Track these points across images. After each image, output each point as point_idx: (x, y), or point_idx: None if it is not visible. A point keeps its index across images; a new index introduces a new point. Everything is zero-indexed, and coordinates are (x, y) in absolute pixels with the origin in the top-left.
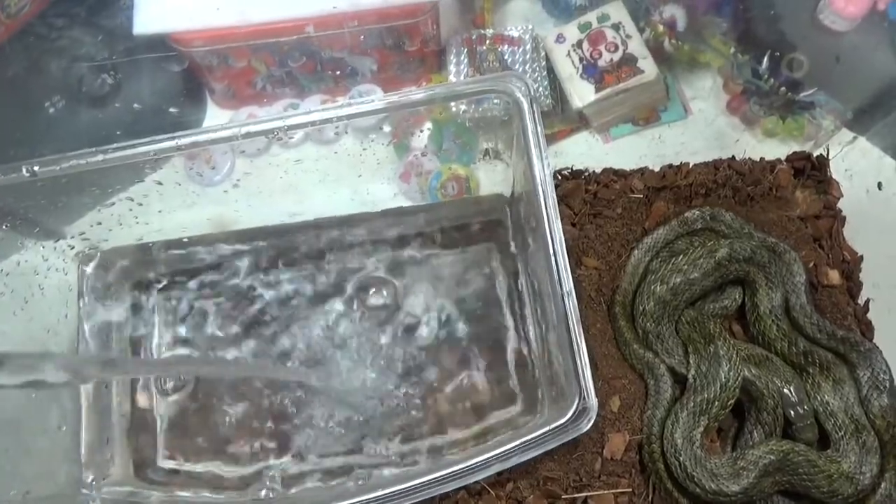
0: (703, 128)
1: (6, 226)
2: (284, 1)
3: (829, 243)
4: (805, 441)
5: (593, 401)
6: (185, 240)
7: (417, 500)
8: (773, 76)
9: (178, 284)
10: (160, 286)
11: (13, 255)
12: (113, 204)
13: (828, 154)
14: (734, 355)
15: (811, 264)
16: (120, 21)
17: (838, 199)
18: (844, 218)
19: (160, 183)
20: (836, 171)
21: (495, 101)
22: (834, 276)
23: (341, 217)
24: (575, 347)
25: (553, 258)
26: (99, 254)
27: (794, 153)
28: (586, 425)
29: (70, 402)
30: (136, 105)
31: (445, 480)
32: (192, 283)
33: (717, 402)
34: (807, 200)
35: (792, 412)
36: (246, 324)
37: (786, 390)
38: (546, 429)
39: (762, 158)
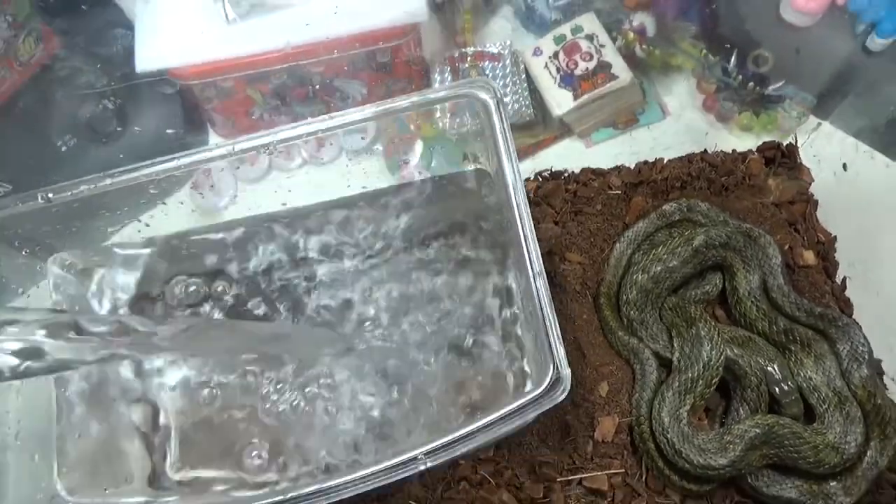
0: (681, 128)
1: (26, 251)
2: (270, 33)
3: (804, 226)
4: (791, 416)
5: (566, 371)
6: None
7: (403, 477)
8: (741, 73)
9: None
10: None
11: (34, 279)
12: (123, 226)
13: (796, 142)
14: (716, 335)
15: (787, 247)
16: (119, 57)
17: (810, 183)
18: (817, 202)
19: (164, 203)
20: (805, 157)
21: (467, 112)
22: (809, 257)
23: (329, 202)
24: (546, 322)
25: (523, 242)
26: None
27: (765, 143)
28: (561, 395)
29: (76, 413)
30: (141, 142)
31: (432, 454)
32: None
33: (701, 381)
34: (779, 187)
35: (777, 389)
36: None
37: (769, 368)
38: (523, 400)
39: (734, 150)
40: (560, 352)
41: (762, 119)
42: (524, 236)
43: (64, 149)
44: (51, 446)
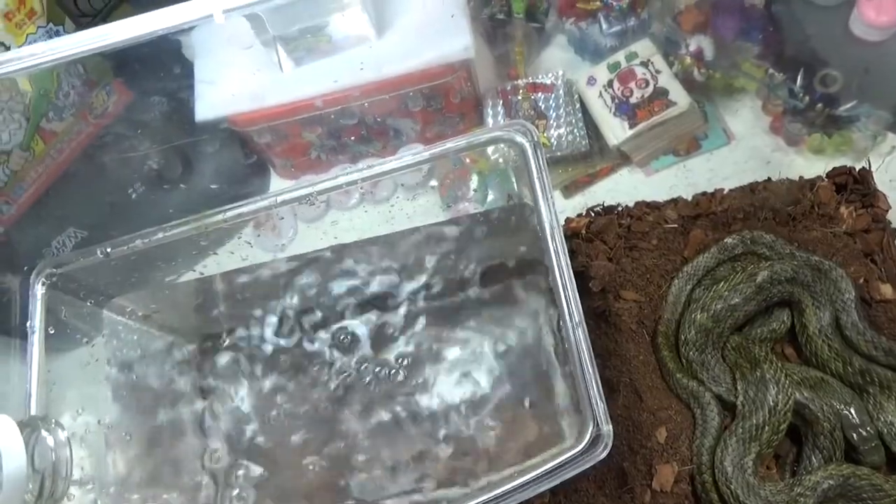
0: (747, 151)
1: (91, 302)
2: (322, 77)
3: (881, 257)
4: (871, 465)
5: (606, 427)
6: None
7: None
8: (808, 94)
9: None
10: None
11: (98, 327)
12: (180, 275)
13: (869, 166)
14: (782, 378)
15: (862, 280)
16: (158, 122)
17: (886, 211)
18: (895, 230)
19: (216, 253)
20: (880, 182)
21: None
22: (887, 291)
23: (375, 238)
24: (586, 375)
25: (561, 291)
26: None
27: (834, 169)
28: (602, 453)
29: None
30: (207, 185)
31: None
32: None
33: (767, 428)
34: (852, 215)
35: (854, 435)
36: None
37: (845, 412)
38: (559, 460)
39: (801, 177)
40: (600, 407)
41: (835, 139)
42: (562, 285)
43: (134, 196)
44: None
